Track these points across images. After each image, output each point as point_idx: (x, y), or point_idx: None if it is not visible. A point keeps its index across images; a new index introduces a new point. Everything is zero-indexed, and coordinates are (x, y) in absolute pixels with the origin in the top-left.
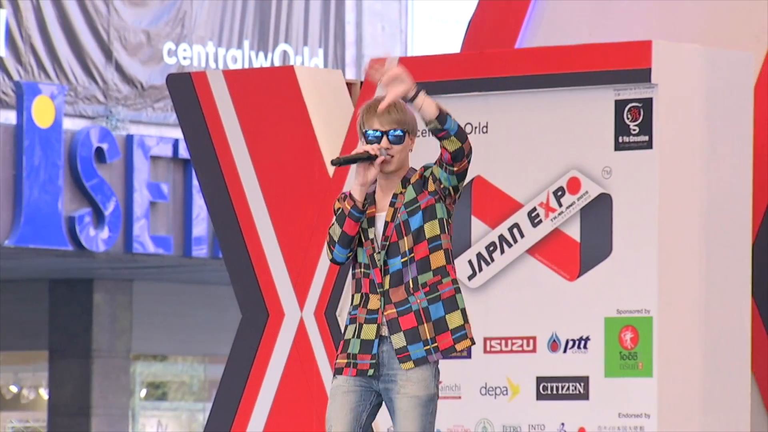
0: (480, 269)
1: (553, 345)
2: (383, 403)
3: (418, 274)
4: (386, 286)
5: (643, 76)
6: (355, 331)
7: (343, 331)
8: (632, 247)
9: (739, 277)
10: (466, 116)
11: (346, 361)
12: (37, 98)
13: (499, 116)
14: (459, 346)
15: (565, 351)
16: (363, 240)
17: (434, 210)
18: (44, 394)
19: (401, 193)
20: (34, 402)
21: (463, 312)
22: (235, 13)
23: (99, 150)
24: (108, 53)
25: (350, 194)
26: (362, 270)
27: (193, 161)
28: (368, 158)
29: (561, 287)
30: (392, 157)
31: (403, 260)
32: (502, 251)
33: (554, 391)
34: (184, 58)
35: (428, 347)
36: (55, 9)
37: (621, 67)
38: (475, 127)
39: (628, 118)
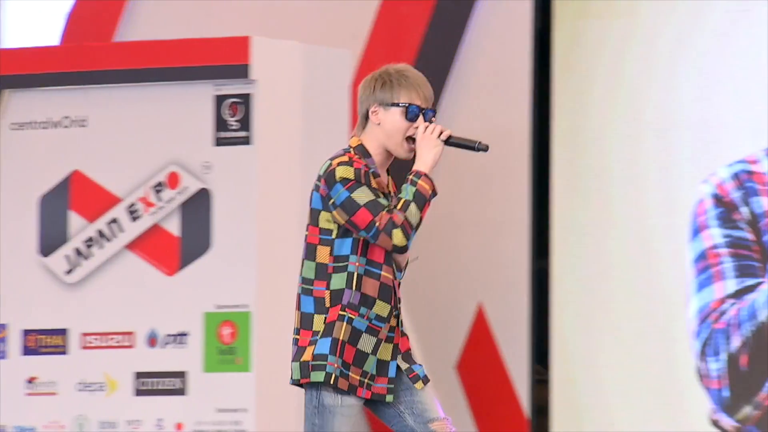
0: (78, 264)
1: (152, 340)
2: None
3: None
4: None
5: (242, 71)
6: (374, 346)
7: (344, 334)
8: (232, 243)
9: None
10: (65, 110)
11: (359, 379)
12: None
13: (98, 110)
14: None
15: (163, 346)
16: None
17: None
18: None
19: (393, 194)
20: None
21: None
22: None
23: None
24: None
25: (427, 175)
26: (391, 277)
27: None
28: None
29: (160, 282)
30: None
31: (401, 276)
32: (101, 246)
33: (152, 387)
34: None
35: (422, 367)
36: None
37: (220, 62)
38: (74, 121)
39: (227, 114)
